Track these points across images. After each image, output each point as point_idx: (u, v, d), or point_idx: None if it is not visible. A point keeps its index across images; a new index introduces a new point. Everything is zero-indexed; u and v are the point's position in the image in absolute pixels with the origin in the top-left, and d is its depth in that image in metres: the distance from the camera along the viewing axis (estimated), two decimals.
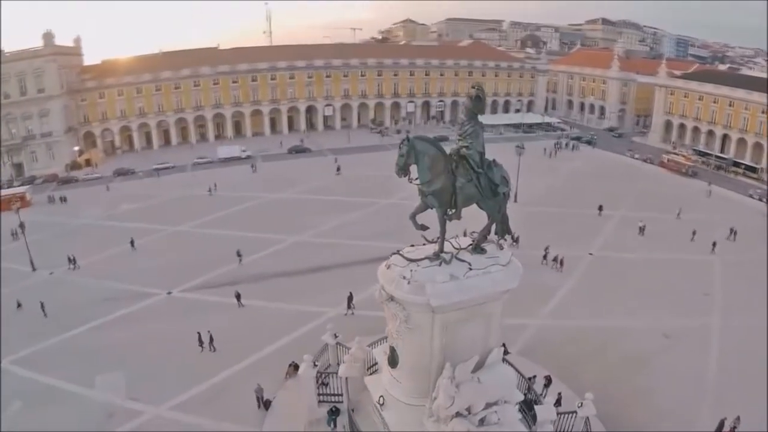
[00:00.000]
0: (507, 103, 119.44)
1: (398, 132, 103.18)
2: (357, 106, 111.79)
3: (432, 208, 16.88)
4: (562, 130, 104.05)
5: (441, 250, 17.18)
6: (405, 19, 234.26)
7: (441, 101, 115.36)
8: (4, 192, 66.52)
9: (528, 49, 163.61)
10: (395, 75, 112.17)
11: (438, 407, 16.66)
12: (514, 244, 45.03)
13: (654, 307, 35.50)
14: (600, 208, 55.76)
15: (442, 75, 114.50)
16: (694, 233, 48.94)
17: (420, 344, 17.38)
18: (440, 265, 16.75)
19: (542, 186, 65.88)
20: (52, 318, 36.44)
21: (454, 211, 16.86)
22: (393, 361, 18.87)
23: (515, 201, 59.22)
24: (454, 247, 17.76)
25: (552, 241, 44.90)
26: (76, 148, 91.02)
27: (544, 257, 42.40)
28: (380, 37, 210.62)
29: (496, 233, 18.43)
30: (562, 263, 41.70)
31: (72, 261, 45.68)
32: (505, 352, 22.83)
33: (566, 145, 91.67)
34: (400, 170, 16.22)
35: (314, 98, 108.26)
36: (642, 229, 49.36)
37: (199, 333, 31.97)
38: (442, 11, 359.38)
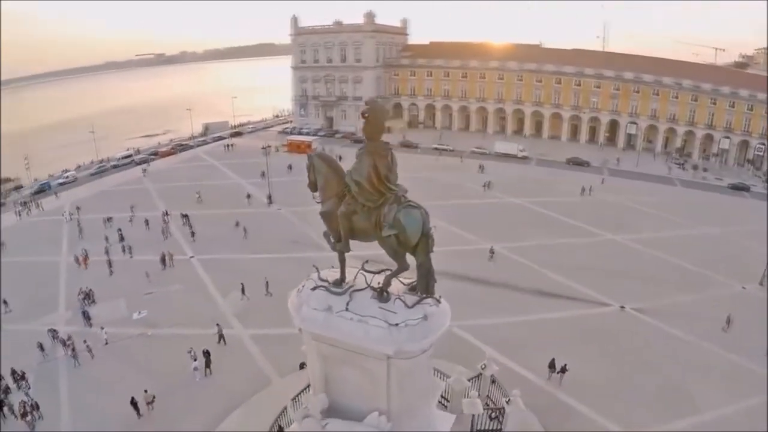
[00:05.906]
0: None
1: (695, 168, 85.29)
2: (664, 130, 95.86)
3: None
4: None
5: (342, 279, 16.55)
6: None
7: (762, 144, 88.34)
8: (297, 138, 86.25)
9: None
10: (713, 103, 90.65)
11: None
12: (726, 328, 35.13)
13: None
14: None
15: None
16: None
17: (310, 359, 17.36)
18: (327, 292, 16.24)
19: None
20: (249, 241, 47.17)
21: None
22: None
23: None
24: (366, 281, 16.77)
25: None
26: None
27: None
28: (741, 61, 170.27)
29: (417, 286, 16.25)
30: None
31: (269, 198, 57.95)
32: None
33: None
34: (309, 185, 16.49)
35: (618, 112, 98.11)
36: None
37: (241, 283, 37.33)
38: None
